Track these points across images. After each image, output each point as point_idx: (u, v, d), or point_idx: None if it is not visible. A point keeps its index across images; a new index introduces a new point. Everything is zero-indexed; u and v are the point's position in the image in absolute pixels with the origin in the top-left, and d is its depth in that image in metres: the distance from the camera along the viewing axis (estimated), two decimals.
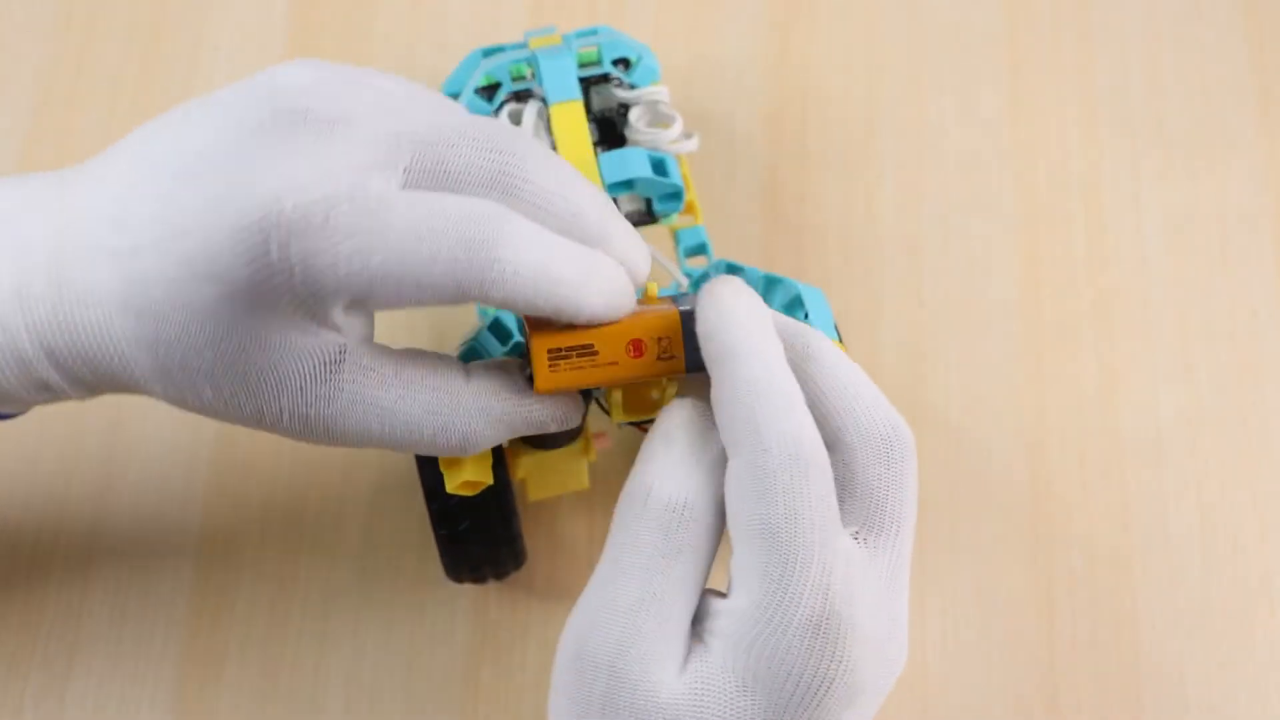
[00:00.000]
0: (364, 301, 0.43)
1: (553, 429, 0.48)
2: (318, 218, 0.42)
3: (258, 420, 0.45)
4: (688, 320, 0.46)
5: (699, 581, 0.43)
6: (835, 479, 0.44)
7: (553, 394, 0.47)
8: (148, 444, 0.60)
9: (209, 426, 0.61)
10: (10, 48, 0.68)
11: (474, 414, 0.46)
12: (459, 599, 0.58)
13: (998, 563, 0.59)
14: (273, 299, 0.43)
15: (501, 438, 0.47)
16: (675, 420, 0.45)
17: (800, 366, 0.44)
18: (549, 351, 0.46)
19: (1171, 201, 0.65)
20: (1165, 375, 0.62)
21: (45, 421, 0.61)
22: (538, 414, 0.47)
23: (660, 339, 0.46)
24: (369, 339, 0.46)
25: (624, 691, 0.42)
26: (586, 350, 0.46)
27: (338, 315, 0.44)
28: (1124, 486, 0.60)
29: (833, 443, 0.44)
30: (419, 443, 0.46)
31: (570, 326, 0.46)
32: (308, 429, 0.45)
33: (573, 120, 0.57)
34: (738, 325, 0.44)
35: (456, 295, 0.43)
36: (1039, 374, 0.62)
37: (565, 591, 0.58)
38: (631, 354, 0.46)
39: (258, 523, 0.59)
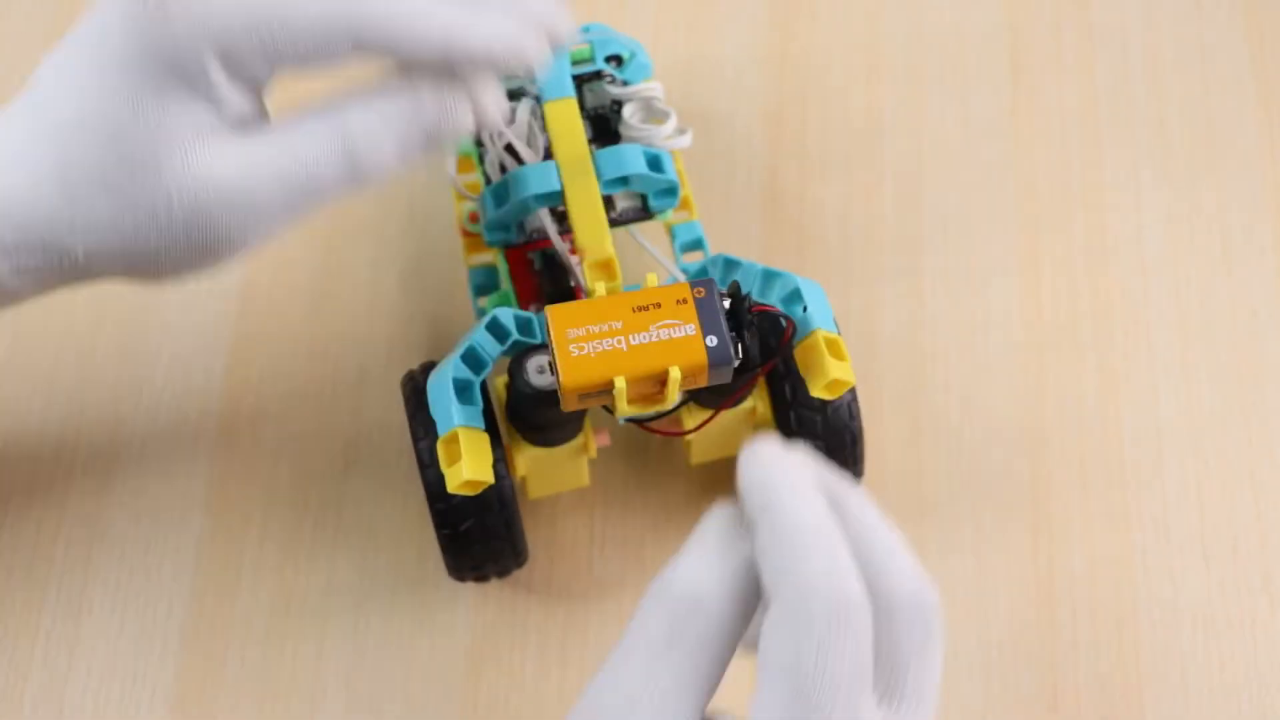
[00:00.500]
0: (236, 55, 0.46)
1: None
2: None
3: (152, 220, 0.47)
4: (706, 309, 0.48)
5: (705, 678, 0.42)
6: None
7: (579, 395, 0.48)
8: (148, 443, 0.60)
9: (210, 426, 0.61)
10: (11, 48, 0.68)
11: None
12: (459, 599, 0.58)
13: (998, 563, 0.59)
14: (149, 60, 0.46)
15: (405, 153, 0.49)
16: (712, 522, 0.44)
17: (837, 520, 0.43)
18: (569, 334, 0.47)
19: (1172, 201, 0.65)
20: (1165, 375, 0.62)
21: (46, 421, 0.61)
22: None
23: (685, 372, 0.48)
24: (256, 118, 0.48)
25: None
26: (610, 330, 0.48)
27: (218, 79, 0.47)
28: (1124, 486, 0.60)
29: None
30: (318, 174, 0.48)
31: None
32: (201, 206, 0.47)
33: (567, 118, 0.57)
34: (780, 475, 0.42)
35: (328, 36, 0.46)
36: (1039, 374, 0.62)
37: (565, 591, 0.58)
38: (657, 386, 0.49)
39: (258, 523, 0.59)
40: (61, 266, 0.48)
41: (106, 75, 0.47)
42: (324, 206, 0.49)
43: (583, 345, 0.49)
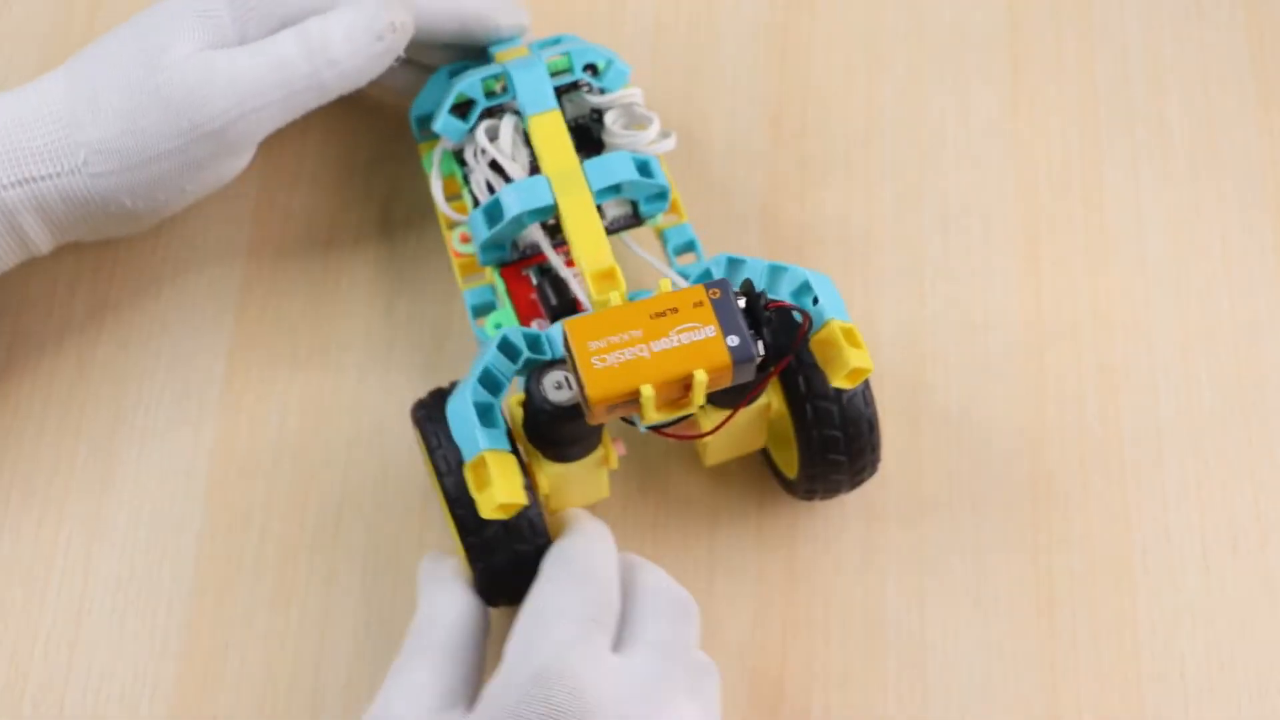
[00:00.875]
0: None
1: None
2: None
3: (154, 97, 0.55)
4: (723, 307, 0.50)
5: (452, 674, 0.51)
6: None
7: (607, 407, 0.49)
8: (148, 442, 0.60)
9: (209, 425, 0.61)
10: (10, 47, 0.68)
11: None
12: None
13: (998, 563, 0.59)
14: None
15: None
16: (436, 563, 0.55)
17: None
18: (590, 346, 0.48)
19: (1172, 200, 0.65)
20: (1165, 375, 0.62)
21: (45, 419, 0.61)
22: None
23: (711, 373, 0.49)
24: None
25: None
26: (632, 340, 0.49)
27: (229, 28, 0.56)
28: (1124, 486, 0.60)
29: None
30: (286, 61, 0.57)
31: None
32: (195, 87, 0.55)
33: (553, 130, 0.57)
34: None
35: None
36: (1039, 373, 0.62)
37: None
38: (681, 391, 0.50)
39: (258, 523, 0.59)
40: (64, 173, 0.56)
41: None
42: (300, 98, 0.57)
43: (605, 356, 0.49)
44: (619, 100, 0.59)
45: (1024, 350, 0.62)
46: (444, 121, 0.58)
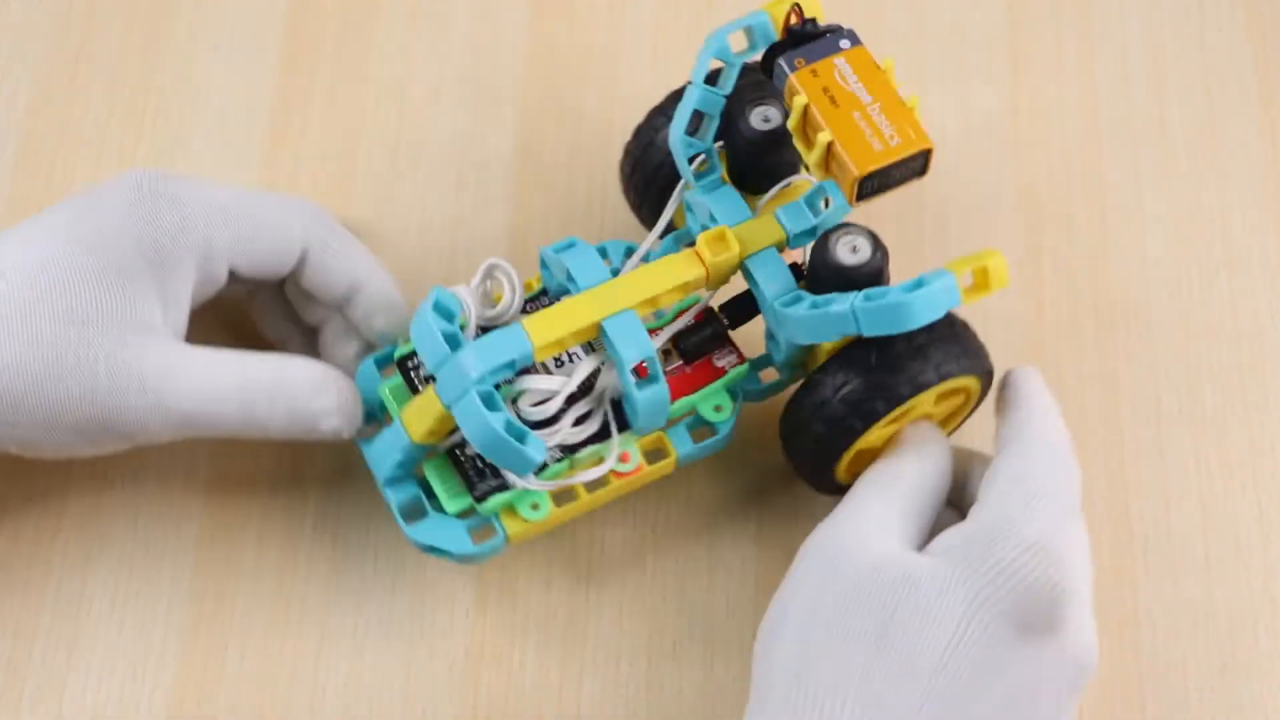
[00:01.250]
0: (208, 265, 0.55)
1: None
2: (175, 177, 0.56)
3: (74, 372, 0.52)
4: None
5: (918, 522, 0.53)
6: None
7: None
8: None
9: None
10: (8, 47, 0.68)
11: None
12: (459, 599, 0.58)
13: None
14: (136, 245, 0.54)
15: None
16: (921, 427, 0.56)
17: None
18: None
19: (1173, 200, 0.65)
20: (1166, 374, 0.62)
21: None
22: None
23: None
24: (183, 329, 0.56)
25: (846, 553, 0.51)
26: None
27: (180, 282, 0.55)
28: (1125, 486, 0.60)
29: None
30: (221, 396, 0.54)
31: None
32: (121, 375, 0.53)
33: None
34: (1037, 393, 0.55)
35: (282, 260, 0.57)
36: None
37: (565, 591, 0.58)
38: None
39: (257, 523, 0.59)
40: None
41: (77, 239, 0.54)
42: (217, 431, 0.55)
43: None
44: None
45: (1024, 350, 0.62)
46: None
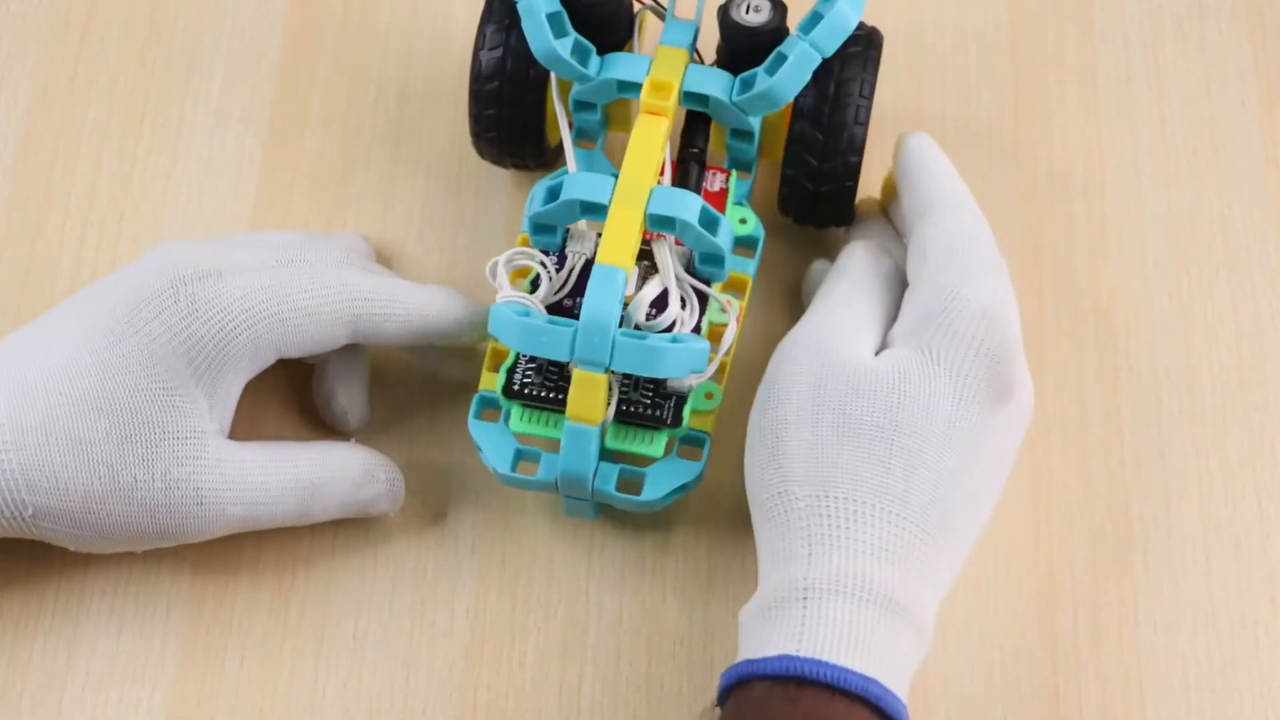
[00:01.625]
0: (252, 359, 0.55)
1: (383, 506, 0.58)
2: (212, 275, 0.55)
3: (130, 492, 0.53)
4: None
5: (883, 317, 0.57)
6: None
7: None
8: None
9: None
10: (7, 46, 0.68)
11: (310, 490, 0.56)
12: (459, 599, 0.58)
13: (998, 563, 0.59)
14: (169, 352, 0.54)
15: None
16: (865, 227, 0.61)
17: None
18: None
19: (1174, 199, 0.65)
20: (1167, 374, 0.62)
21: None
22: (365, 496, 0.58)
23: None
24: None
25: (833, 360, 0.54)
26: None
27: (224, 388, 0.55)
28: (1125, 486, 0.60)
29: None
30: (276, 499, 0.56)
31: None
32: (178, 490, 0.53)
33: (652, 138, 0.57)
34: (931, 157, 0.60)
35: (333, 337, 0.57)
36: (1040, 373, 0.62)
37: (565, 591, 0.58)
38: None
39: None
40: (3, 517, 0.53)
41: (133, 359, 0.54)
42: (271, 525, 0.56)
43: None
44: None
45: (1025, 349, 0.62)
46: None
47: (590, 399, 0.54)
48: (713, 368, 0.56)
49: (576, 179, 0.56)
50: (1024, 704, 0.57)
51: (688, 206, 0.55)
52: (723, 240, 0.56)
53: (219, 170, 0.66)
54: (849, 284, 0.57)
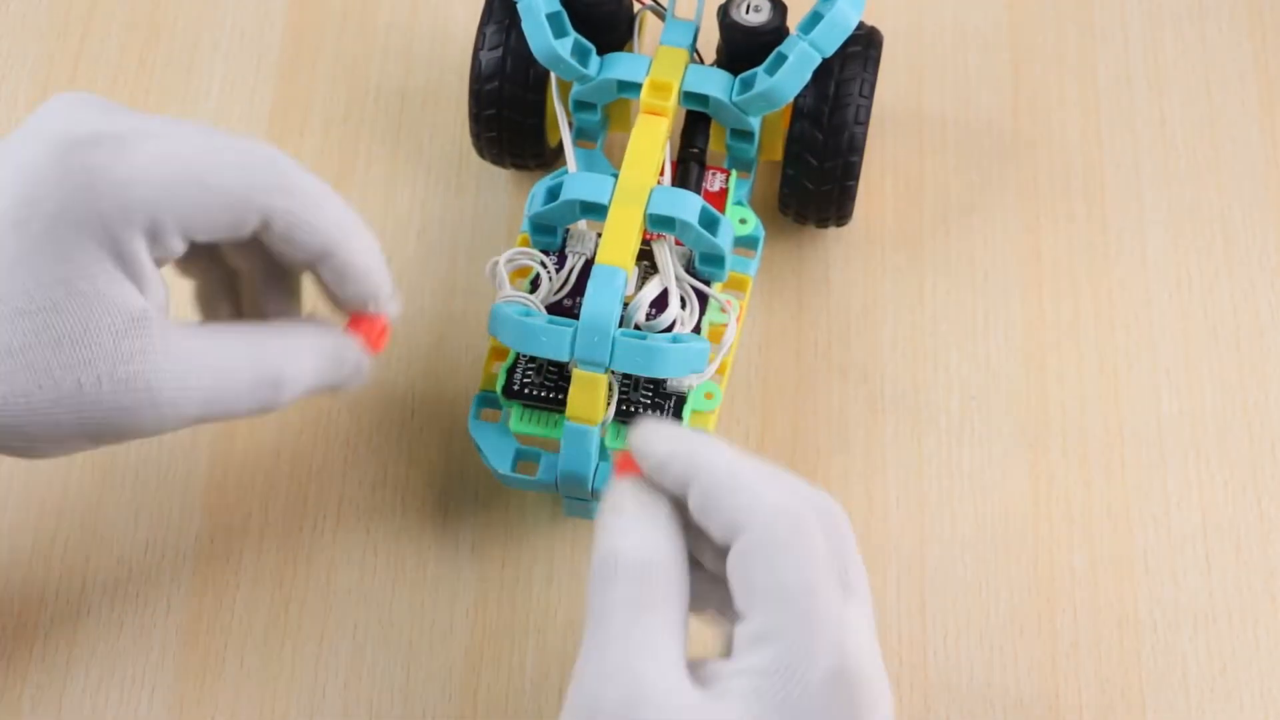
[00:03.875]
0: (158, 229, 0.48)
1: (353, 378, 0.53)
2: (110, 140, 0.48)
3: (76, 399, 0.47)
4: None
5: (682, 631, 0.46)
6: None
7: None
8: (147, 443, 0.60)
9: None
10: (7, 46, 0.68)
11: (287, 354, 0.51)
12: (459, 599, 0.58)
13: (997, 563, 0.59)
14: (79, 232, 0.47)
15: (319, 379, 0.52)
16: (619, 492, 0.47)
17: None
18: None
19: (1174, 199, 0.65)
20: (1167, 374, 0.62)
21: None
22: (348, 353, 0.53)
23: None
24: (164, 310, 0.49)
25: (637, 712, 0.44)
26: None
27: (143, 255, 0.48)
28: (1125, 486, 0.60)
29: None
30: (238, 390, 0.49)
31: None
32: (127, 391, 0.47)
33: (653, 138, 0.57)
34: (692, 441, 0.47)
35: (241, 212, 0.49)
36: (1040, 373, 0.62)
37: (565, 591, 0.58)
38: None
39: (257, 523, 0.59)
40: None
41: (35, 244, 0.47)
42: (232, 417, 0.51)
43: None
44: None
45: (1024, 350, 0.62)
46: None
47: (590, 399, 0.54)
48: (713, 368, 0.56)
49: (576, 179, 0.56)
50: (1024, 704, 0.57)
51: (688, 206, 0.55)
52: (723, 240, 0.56)
53: None
54: (632, 589, 0.45)
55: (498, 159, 0.63)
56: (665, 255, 0.56)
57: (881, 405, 0.61)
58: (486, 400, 0.58)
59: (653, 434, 0.48)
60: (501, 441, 0.57)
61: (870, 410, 0.61)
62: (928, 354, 0.62)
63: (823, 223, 0.62)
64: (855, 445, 0.61)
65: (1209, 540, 0.59)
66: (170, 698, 0.57)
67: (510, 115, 0.60)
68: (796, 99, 0.59)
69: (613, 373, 0.55)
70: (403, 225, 0.64)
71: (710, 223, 0.55)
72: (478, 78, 0.60)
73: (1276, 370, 0.62)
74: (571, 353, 0.53)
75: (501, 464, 0.56)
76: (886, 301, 0.63)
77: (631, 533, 0.46)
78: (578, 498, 0.56)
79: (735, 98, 0.58)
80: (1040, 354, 0.62)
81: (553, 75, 0.60)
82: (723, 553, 0.46)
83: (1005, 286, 0.64)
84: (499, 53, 0.60)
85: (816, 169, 0.59)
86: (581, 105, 0.60)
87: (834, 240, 0.64)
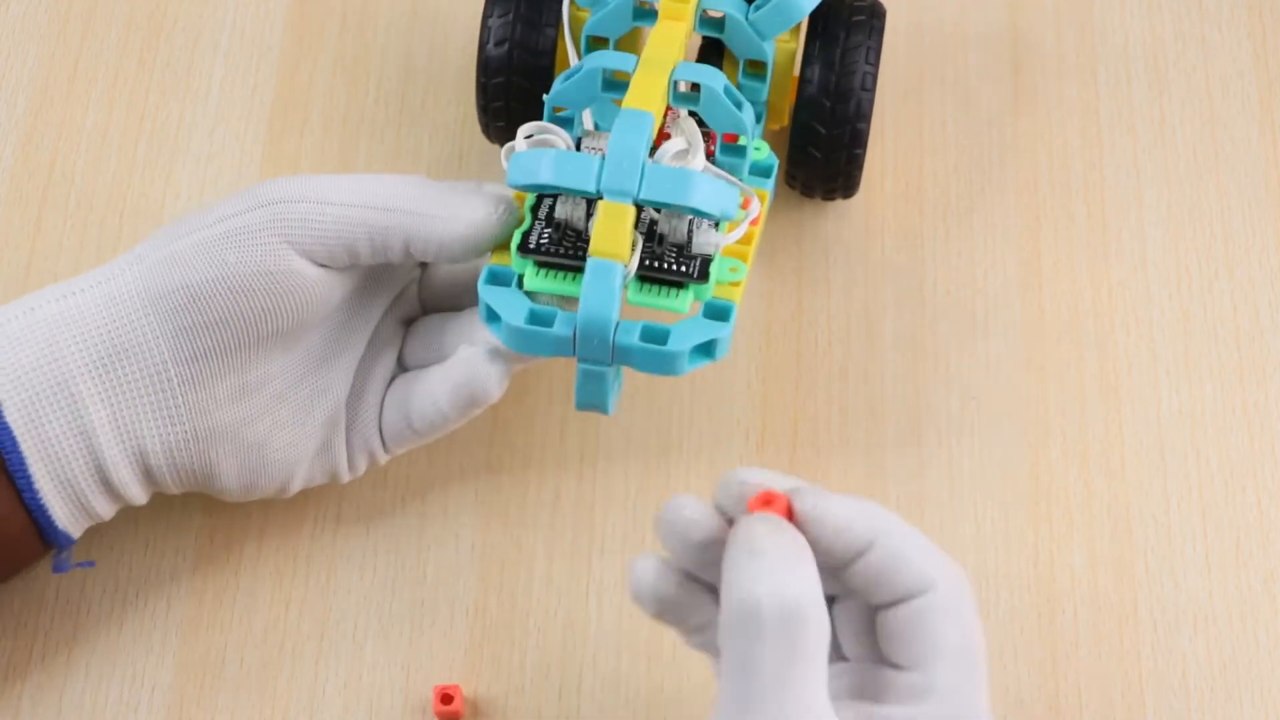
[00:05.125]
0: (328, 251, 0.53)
1: None
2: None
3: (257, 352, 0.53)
4: None
5: (825, 676, 0.45)
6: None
7: None
8: None
9: None
10: (7, 46, 0.68)
11: None
12: (459, 599, 0.58)
13: (998, 563, 0.59)
14: (268, 242, 0.52)
15: None
16: (756, 531, 0.45)
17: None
18: None
19: (1173, 199, 0.65)
20: (1167, 374, 0.62)
21: None
22: None
23: None
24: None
25: None
26: None
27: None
28: (1125, 486, 0.60)
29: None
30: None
31: None
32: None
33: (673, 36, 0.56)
34: (867, 504, 0.47)
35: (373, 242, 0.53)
36: (1040, 373, 0.62)
37: (565, 591, 0.58)
38: None
39: (257, 522, 0.59)
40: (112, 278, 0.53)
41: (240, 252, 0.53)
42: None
43: None
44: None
45: (1024, 350, 0.62)
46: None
47: (618, 230, 0.51)
48: (740, 230, 0.54)
49: (599, 54, 0.55)
50: (1024, 704, 0.57)
51: (714, 76, 0.54)
52: (747, 118, 0.54)
53: (219, 170, 0.66)
54: (781, 640, 0.44)
55: (504, 133, 0.63)
56: (691, 126, 0.54)
57: (881, 405, 0.61)
58: (496, 274, 0.54)
59: (827, 497, 0.47)
60: (514, 300, 0.53)
61: (870, 410, 0.61)
62: (928, 354, 0.62)
63: (830, 194, 0.62)
64: (855, 445, 0.61)
65: (1209, 540, 0.59)
66: (170, 697, 0.57)
67: (518, 81, 0.60)
68: (803, 68, 0.59)
69: (638, 225, 0.52)
70: None
71: (735, 101, 0.54)
72: (487, 42, 0.60)
73: (1276, 370, 0.62)
74: (599, 182, 0.51)
75: (515, 317, 0.52)
76: (886, 301, 0.63)
77: (777, 577, 0.44)
78: (595, 361, 0.52)
79: (750, 15, 0.57)
80: (1040, 354, 0.62)
81: (565, 12, 0.59)
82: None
83: (1005, 286, 0.64)
84: (508, 18, 0.60)
85: (825, 137, 0.59)
86: (594, 43, 0.59)
87: (835, 240, 0.64)
